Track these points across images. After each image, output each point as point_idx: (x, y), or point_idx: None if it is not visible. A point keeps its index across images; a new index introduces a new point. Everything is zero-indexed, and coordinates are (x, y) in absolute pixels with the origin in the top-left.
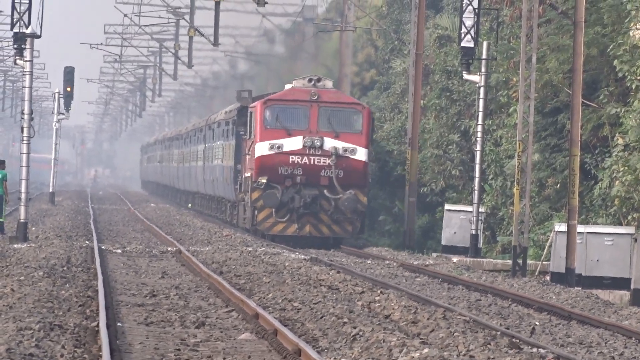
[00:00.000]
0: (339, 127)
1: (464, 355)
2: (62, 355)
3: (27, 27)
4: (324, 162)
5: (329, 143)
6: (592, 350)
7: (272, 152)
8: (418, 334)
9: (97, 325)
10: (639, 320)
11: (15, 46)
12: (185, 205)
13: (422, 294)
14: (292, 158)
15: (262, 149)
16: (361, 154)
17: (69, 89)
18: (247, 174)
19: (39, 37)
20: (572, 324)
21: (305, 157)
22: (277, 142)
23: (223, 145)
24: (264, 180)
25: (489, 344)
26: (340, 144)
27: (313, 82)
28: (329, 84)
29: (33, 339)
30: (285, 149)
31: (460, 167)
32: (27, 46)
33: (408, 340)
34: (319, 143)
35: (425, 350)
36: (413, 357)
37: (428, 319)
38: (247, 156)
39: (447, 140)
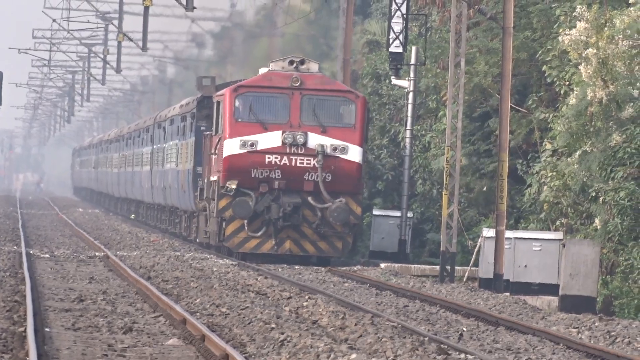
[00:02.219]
0: (326, 120)
1: None
2: None
3: None
4: (307, 163)
5: (315, 140)
6: (520, 356)
7: (243, 151)
8: (346, 340)
9: (25, 331)
10: (566, 326)
11: None
12: (125, 215)
13: (350, 299)
14: (269, 158)
15: (231, 146)
16: (354, 154)
17: None
18: (213, 178)
19: None
20: (500, 330)
21: (285, 157)
22: (251, 138)
23: (178, 145)
24: (234, 186)
25: (417, 349)
26: (328, 141)
27: (295, 64)
28: (314, 67)
29: None
30: (260, 147)
31: (392, 172)
32: None
33: (336, 346)
34: (302, 140)
35: (353, 356)
36: None
37: (356, 324)
38: (212, 156)
39: (377, 145)
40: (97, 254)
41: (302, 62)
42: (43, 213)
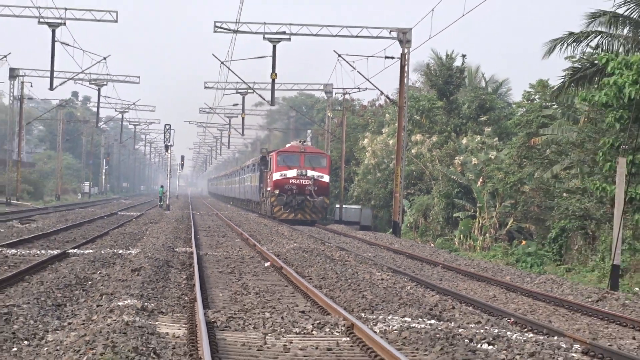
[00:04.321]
0: (314, 165)
1: None
2: (178, 249)
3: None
4: (307, 183)
5: (310, 173)
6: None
7: (281, 178)
8: (294, 240)
9: (192, 244)
10: None
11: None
12: (228, 202)
13: (316, 233)
14: (291, 180)
15: (276, 176)
16: (326, 179)
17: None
18: (268, 188)
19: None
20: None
21: (298, 180)
22: (283, 172)
23: (252, 175)
24: (277, 191)
25: (323, 244)
26: (315, 173)
27: (302, 142)
28: (308, 143)
29: (168, 243)
30: (287, 176)
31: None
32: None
33: (287, 242)
34: (305, 173)
35: (292, 245)
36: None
37: (299, 237)
38: (268, 180)
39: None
40: (215, 211)
41: (304, 142)
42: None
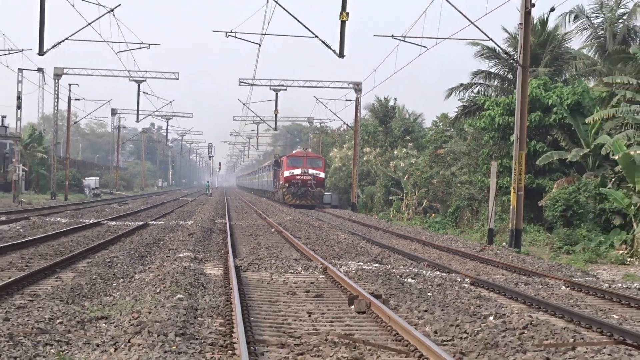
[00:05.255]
0: (314, 165)
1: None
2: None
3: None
4: (308, 178)
5: (311, 171)
6: None
7: (290, 175)
8: (297, 213)
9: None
10: None
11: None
12: (250, 192)
13: (315, 214)
14: (297, 176)
15: (287, 173)
16: (322, 175)
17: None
18: (280, 182)
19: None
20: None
21: (302, 176)
22: (292, 171)
23: (268, 173)
24: (287, 184)
25: (317, 224)
26: (315, 172)
27: (305, 149)
28: (309, 150)
29: (210, 217)
30: (295, 173)
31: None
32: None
33: (290, 216)
34: (307, 171)
35: (288, 217)
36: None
37: (301, 214)
38: (280, 176)
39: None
40: (241, 197)
41: (306, 149)
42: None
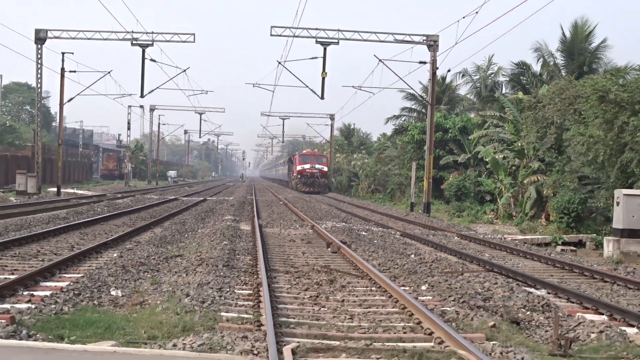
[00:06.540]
0: (319, 162)
1: None
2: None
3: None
4: (315, 171)
5: (317, 166)
6: None
7: (301, 168)
8: (306, 199)
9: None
10: None
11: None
12: (271, 181)
13: (321, 199)
14: (306, 170)
15: (299, 168)
16: (325, 169)
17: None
18: (294, 175)
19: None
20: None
21: (310, 170)
22: (303, 165)
23: (284, 167)
24: (299, 176)
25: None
26: (320, 167)
27: (313, 149)
28: (316, 150)
29: (244, 195)
30: (305, 168)
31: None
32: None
33: (302, 200)
34: (314, 166)
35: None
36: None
37: (309, 201)
38: (293, 169)
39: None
40: (263, 184)
41: (313, 149)
42: (257, 180)
